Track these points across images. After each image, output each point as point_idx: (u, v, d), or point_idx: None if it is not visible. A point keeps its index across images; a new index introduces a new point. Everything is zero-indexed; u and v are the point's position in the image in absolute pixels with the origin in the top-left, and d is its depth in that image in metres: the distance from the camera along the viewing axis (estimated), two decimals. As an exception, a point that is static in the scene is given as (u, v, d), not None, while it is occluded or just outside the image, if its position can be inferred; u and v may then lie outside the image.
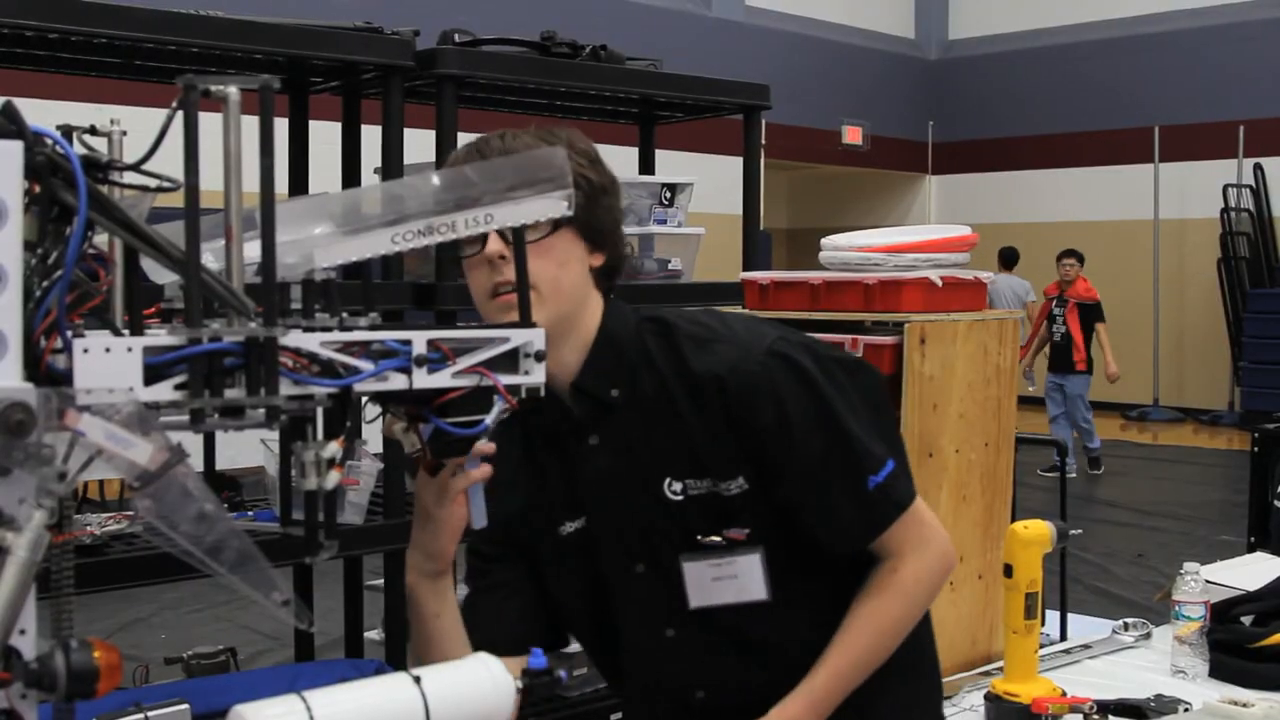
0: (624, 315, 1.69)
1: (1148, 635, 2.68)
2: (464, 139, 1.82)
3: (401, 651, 2.82)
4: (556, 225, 1.57)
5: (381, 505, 2.88)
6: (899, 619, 1.68)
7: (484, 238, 1.55)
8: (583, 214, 1.56)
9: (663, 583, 1.68)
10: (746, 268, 3.55)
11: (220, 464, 3.74)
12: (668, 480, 1.65)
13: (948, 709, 2.47)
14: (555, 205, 1.33)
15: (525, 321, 1.30)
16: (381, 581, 3.09)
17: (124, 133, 1.10)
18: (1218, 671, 2.38)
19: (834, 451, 1.63)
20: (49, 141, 1.01)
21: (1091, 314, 10.08)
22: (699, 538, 1.65)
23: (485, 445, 1.44)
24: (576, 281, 1.63)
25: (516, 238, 1.33)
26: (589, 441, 1.68)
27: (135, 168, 1.08)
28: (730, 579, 1.66)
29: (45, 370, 1.00)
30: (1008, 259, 11.29)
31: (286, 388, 1.09)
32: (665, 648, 1.71)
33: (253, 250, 1.08)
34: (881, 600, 1.67)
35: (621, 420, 1.66)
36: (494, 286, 1.58)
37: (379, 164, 2.93)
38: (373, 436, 1.58)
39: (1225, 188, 13.42)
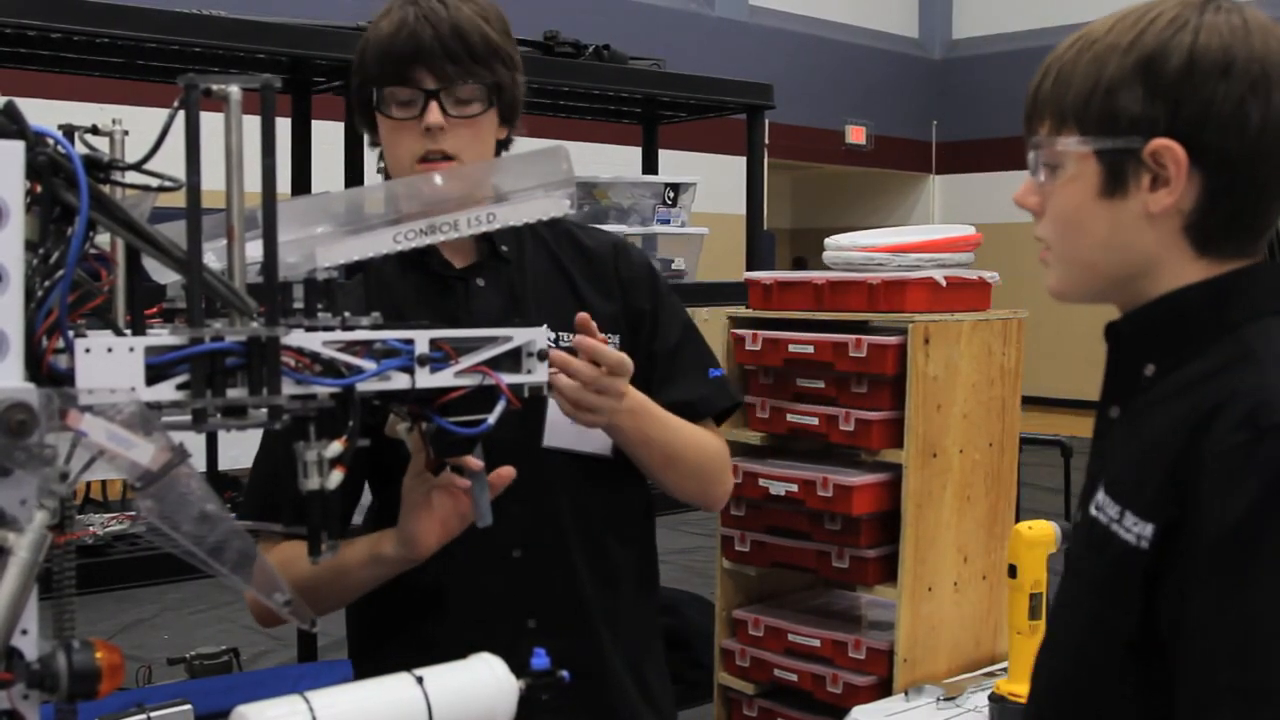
0: None
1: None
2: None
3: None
4: (490, 104, 1.69)
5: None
6: (718, 451, 1.85)
7: (424, 105, 1.66)
8: (509, 92, 1.71)
9: (515, 424, 1.63)
10: (750, 268, 3.55)
11: (223, 464, 3.75)
12: (545, 328, 1.61)
13: (952, 710, 2.47)
14: (558, 204, 1.33)
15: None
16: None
17: (126, 132, 1.09)
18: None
19: (689, 335, 1.86)
20: (50, 141, 1.00)
21: None
22: None
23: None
24: (488, 155, 1.74)
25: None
26: (476, 283, 1.76)
27: (137, 167, 1.07)
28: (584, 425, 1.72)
29: (47, 370, 0.99)
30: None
31: (289, 387, 1.09)
32: (499, 495, 1.66)
33: (254, 250, 1.08)
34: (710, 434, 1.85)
35: (510, 272, 1.77)
36: (425, 153, 1.68)
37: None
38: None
39: (1230, 187, 13.40)
